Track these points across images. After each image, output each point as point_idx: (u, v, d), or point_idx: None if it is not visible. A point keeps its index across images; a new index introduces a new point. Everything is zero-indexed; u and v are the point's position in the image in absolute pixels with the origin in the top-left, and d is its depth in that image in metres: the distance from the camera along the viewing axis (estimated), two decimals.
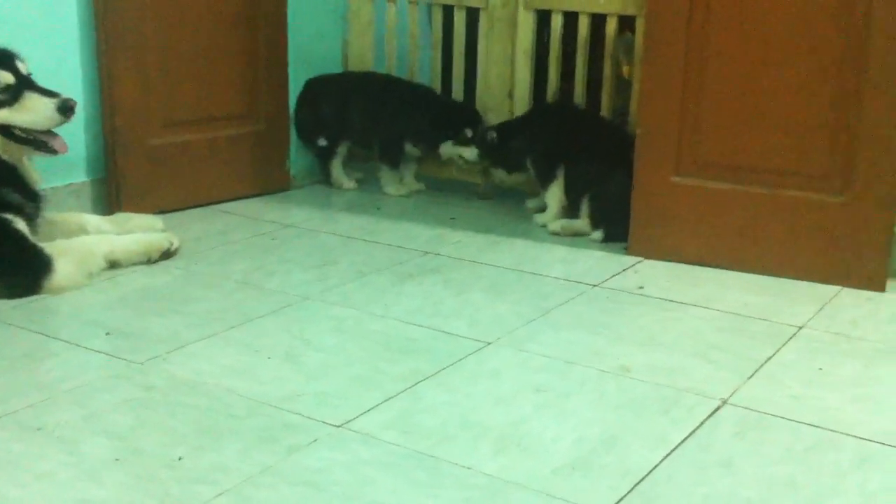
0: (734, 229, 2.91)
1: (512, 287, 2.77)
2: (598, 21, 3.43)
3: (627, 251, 3.06)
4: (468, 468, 1.77)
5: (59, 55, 3.06)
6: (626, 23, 3.40)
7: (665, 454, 1.83)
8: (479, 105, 3.73)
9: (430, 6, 3.86)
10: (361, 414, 1.96)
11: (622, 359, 2.27)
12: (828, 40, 2.70)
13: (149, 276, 2.77)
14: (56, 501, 1.63)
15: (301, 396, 2.04)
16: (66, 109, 2.65)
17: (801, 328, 2.48)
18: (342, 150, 3.85)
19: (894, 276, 2.77)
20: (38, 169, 2.81)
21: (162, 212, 3.25)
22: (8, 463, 1.74)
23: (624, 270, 2.92)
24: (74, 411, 1.95)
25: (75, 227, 2.88)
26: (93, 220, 2.97)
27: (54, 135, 2.70)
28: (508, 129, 3.50)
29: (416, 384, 2.11)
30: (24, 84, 2.65)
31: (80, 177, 3.22)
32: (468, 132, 3.62)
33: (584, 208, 3.25)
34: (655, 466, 1.79)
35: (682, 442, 1.88)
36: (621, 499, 1.68)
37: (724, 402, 2.06)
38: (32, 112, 2.64)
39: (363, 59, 3.97)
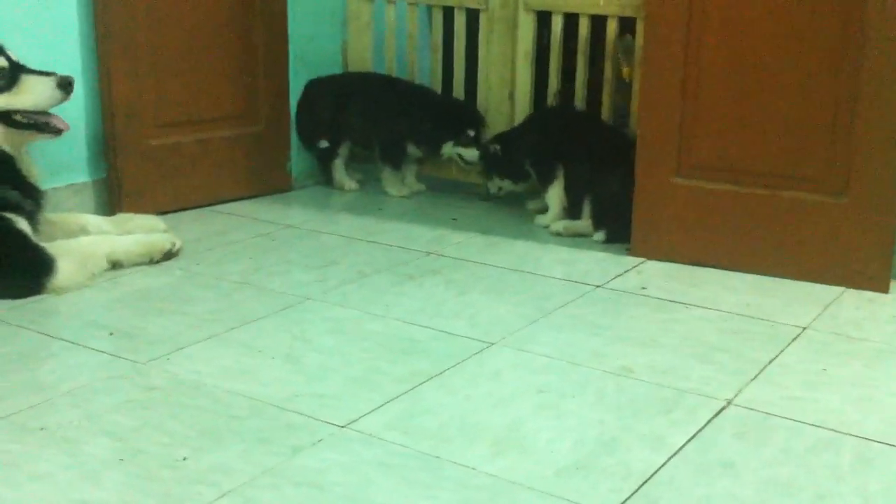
0: (736, 230, 2.90)
1: (513, 288, 2.77)
2: (598, 23, 3.43)
3: (629, 252, 3.06)
4: (471, 469, 1.76)
5: (57, 56, 3.06)
6: (626, 25, 3.40)
7: (668, 456, 1.83)
8: (479, 107, 3.72)
9: (429, 8, 3.85)
10: (363, 415, 1.96)
11: (624, 360, 2.27)
12: (827, 42, 2.70)
13: (150, 276, 2.77)
14: (56, 503, 1.63)
15: (302, 397, 2.04)
16: (65, 85, 2.66)
17: (804, 329, 2.48)
18: (343, 151, 3.85)
19: None
20: (38, 167, 2.79)
21: (162, 212, 3.25)
22: (7, 464, 1.74)
23: (626, 271, 2.92)
24: (76, 412, 1.95)
25: (76, 227, 2.88)
26: (94, 220, 2.97)
27: (53, 115, 2.69)
28: (510, 139, 3.50)
29: (418, 385, 2.10)
30: (18, 68, 2.64)
31: (81, 177, 3.22)
32: (471, 133, 3.62)
33: (586, 209, 3.25)
34: (658, 468, 1.79)
35: (685, 444, 1.88)
36: (624, 501, 1.68)
37: (728, 403, 2.05)
38: (33, 93, 2.63)
39: (362, 60, 3.97)
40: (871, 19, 2.62)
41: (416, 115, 3.69)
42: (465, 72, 3.78)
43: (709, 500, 1.69)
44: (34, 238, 2.62)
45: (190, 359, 2.22)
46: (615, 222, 3.14)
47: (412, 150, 3.77)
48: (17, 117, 2.64)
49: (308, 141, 3.86)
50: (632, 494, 1.70)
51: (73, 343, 2.29)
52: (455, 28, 3.75)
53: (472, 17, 3.71)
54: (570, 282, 2.82)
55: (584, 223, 3.26)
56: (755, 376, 2.19)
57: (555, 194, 3.35)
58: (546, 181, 3.37)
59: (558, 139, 3.36)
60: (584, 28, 3.44)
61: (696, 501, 1.68)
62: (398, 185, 3.80)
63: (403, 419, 1.95)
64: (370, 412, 1.97)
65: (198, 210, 3.46)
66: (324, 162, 3.87)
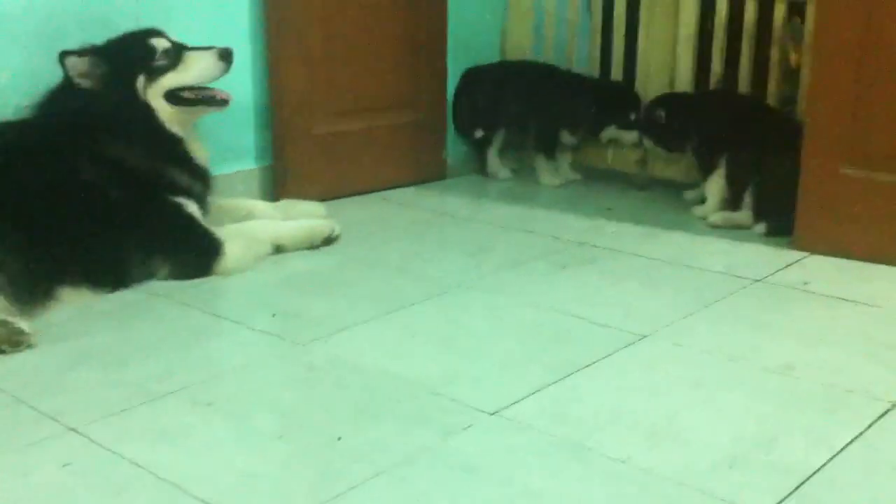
0: None
1: (669, 280, 2.72)
2: (765, 5, 3.32)
3: (792, 245, 2.95)
4: (622, 461, 1.75)
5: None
6: (795, 7, 3.28)
7: (830, 456, 1.76)
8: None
9: None
10: (516, 401, 1.97)
11: (785, 356, 2.19)
12: None
13: (310, 260, 2.87)
14: (223, 472, 1.71)
15: (456, 381, 2.07)
16: (226, 55, 2.75)
17: None
18: (498, 139, 3.87)
19: None
20: (207, 153, 2.87)
21: (323, 198, 3.35)
22: (180, 435, 1.84)
23: (788, 265, 2.82)
24: (241, 388, 2.04)
25: (244, 212, 3.00)
26: (260, 206, 3.09)
27: (215, 89, 2.78)
28: (676, 105, 3.42)
29: (570, 374, 2.10)
30: (181, 47, 2.75)
31: (249, 164, 3.35)
32: (632, 116, 3.58)
33: (747, 200, 3.15)
34: (819, 468, 1.72)
35: (848, 444, 1.81)
36: (782, 500, 1.63)
37: (893, 405, 1.96)
38: (197, 67, 2.73)
39: (521, 46, 3.97)
40: None
41: (577, 100, 3.68)
42: (623, 57, 3.73)
43: (874, 502, 1.62)
44: (203, 222, 2.73)
45: (349, 340, 2.29)
46: (777, 214, 3.03)
47: (566, 138, 3.75)
48: (185, 94, 2.74)
49: (463, 129, 3.90)
50: (790, 494, 1.65)
51: (238, 323, 2.40)
52: (615, 13, 3.71)
53: (633, 1, 3.66)
54: (729, 275, 2.75)
55: (744, 215, 3.16)
56: None
57: (715, 184, 3.27)
58: (707, 170, 3.30)
59: (723, 127, 3.27)
60: (750, 12, 3.33)
61: (859, 503, 1.62)
62: (552, 173, 3.79)
63: (555, 407, 1.95)
64: (523, 398, 1.99)
65: (356, 196, 3.55)
66: (478, 150, 3.90)
